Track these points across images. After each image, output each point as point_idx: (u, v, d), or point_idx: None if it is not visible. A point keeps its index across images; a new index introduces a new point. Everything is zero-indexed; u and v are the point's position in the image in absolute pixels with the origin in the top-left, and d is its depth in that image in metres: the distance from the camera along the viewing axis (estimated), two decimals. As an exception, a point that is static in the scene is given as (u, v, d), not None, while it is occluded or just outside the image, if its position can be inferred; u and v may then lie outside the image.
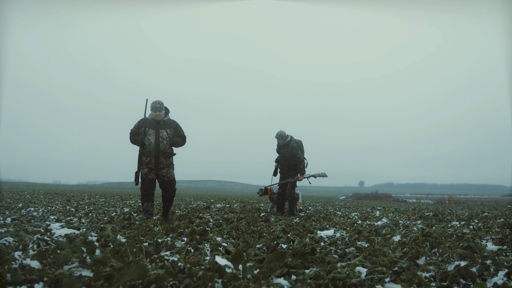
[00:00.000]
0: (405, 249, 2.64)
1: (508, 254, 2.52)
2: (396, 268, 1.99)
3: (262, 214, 6.42)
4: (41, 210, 6.51)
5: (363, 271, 2.10)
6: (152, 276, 1.86)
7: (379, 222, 5.41)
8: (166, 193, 5.14)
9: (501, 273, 2.05)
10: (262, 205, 10.55)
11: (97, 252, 2.70)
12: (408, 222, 5.49)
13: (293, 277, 2.02)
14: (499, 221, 5.18)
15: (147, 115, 5.06)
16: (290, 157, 6.64)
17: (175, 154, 5.21)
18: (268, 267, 2.01)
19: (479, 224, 5.04)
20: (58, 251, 2.50)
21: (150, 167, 4.98)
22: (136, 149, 5.10)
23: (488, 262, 2.29)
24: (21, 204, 7.72)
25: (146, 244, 2.80)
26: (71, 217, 5.00)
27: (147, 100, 5.03)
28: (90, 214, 5.76)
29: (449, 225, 5.13)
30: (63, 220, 4.54)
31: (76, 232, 3.29)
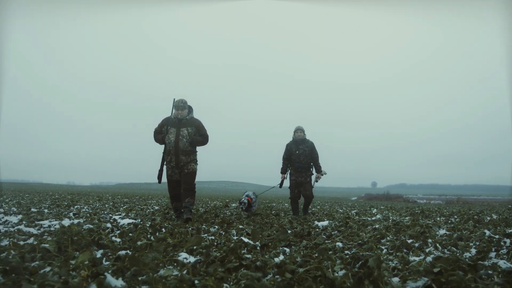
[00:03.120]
0: (375, 232, 3.67)
1: (447, 235, 3.52)
2: (360, 241, 3.03)
3: (273, 211, 7.49)
4: (85, 207, 7.71)
5: (340, 245, 3.15)
6: (203, 245, 2.94)
7: (373, 218, 6.39)
8: (184, 185, 5.04)
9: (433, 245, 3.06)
10: (274, 204, 11.62)
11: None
12: (398, 218, 6.46)
13: (293, 247, 3.09)
14: (475, 217, 6.12)
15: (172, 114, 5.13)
16: (309, 153, 6.50)
17: (196, 151, 5.20)
18: (276, 240, 3.08)
19: (457, 219, 5.99)
20: (130, 234, 3.63)
21: (172, 165, 5.05)
22: (157, 148, 5.20)
23: (430, 240, 3.31)
24: (66, 203, 8.97)
25: (190, 229, 3.90)
26: (119, 213, 6.17)
27: (174, 99, 5.11)
28: (130, 210, 6.92)
29: (432, 220, 6.08)
30: (113, 215, 5.70)
31: (136, 221, 4.42)
